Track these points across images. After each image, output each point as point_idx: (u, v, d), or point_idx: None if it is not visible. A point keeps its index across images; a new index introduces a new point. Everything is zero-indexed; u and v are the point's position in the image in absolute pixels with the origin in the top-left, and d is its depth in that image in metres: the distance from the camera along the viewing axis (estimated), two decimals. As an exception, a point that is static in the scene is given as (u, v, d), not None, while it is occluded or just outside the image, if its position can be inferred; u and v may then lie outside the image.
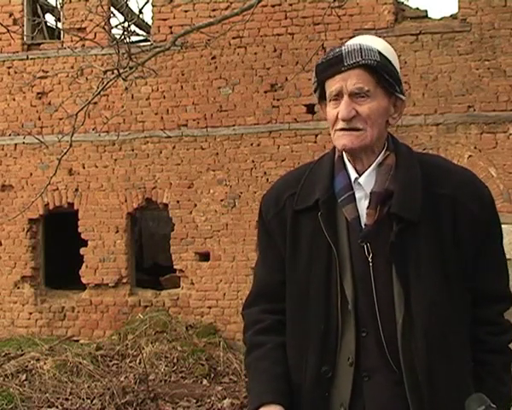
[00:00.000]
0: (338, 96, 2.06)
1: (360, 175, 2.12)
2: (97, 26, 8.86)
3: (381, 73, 2.04)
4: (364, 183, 2.10)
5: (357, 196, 2.11)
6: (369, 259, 2.06)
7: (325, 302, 2.09)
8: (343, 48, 2.05)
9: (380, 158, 2.12)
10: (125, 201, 11.24)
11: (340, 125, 2.06)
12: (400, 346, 2.02)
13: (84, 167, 11.41)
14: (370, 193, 2.08)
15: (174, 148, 11.10)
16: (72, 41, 10.40)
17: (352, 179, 2.12)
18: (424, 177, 2.10)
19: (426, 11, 10.57)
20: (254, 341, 2.22)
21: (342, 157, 2.17)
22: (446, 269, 2.05)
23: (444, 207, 2.07)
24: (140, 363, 8.85)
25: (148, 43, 11.24)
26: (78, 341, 10.99)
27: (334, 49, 2.09)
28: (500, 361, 2.13)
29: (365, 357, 2.06)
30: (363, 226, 2.08)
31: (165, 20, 11.23)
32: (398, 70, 2.11)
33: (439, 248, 2.05)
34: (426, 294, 2.02)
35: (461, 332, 2.08)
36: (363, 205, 2.10)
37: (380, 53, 2.05)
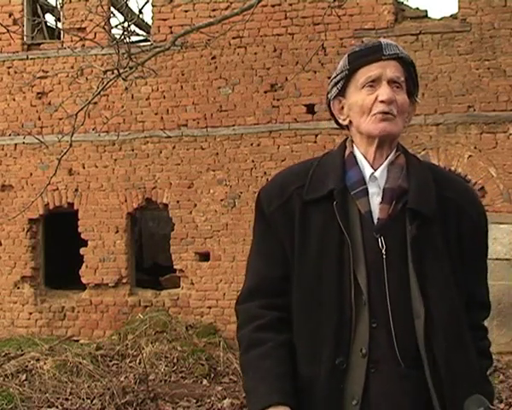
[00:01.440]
0: (374, 82, 2.12)
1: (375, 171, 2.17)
2: (97, 26, 8.85)
3: (411, 70, 2.17)
4: (380, 177, 2.15)
5: (370, 191, 2.14)
6: (383, 251, 2.08)
7: (338, 293, 2.08)
8: (381, 40, 2.16)
9: (391, 157, 2.18)
10: (125, 201, 11.24)
11: (380, 107, 2.11)
12: (423, 339, 2.05)
13: (84, 167, 11.41)
14: (383, 189, 2.13)
15: (174, 148, 11.10)
16: (72, 41, 10.39)
17: (368, 174, 2.15)
18: (433, 180, 2.18)
19: (426, 11, 10.57)
20: (254, 338, 2.16)
21: (353, 154, 2.20)
22: (454, 267, 2.11)
23: (450, 209, 2.16)
24: (140, 363, 8.84)
25: (148, 43, 11.24)
26: (78, 341, 10.99)
27: (371, 41, 2.19)
28: (484, 364, 2.22)
29: (375, 348, 2.07)
30: (376, 221, 2.12)
31: (165, 20, 11.23)
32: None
33: (448, 246, 2.12)
34: (442, 288, 2.08)
35: (468, 331, 2.15)
36: (375, 201, 2.13)
37: None
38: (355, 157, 2.19)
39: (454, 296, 2.09)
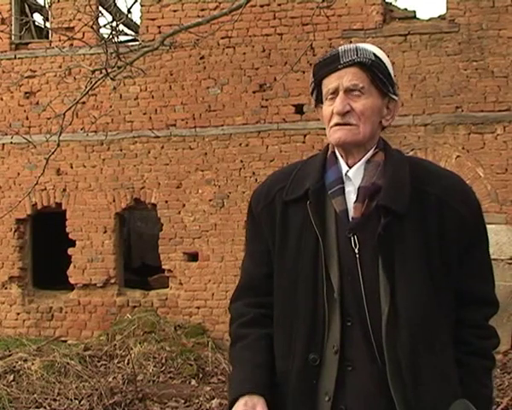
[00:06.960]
0: (334, 93, 2.15)
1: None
2: (85, 25, 8.83)
3: (375, 71, 2.15)
4: (353, 176, 2.16)
5: (346, 189, 2.16)
6: (356, 251, 2.10)
7: (312, 291, 2.12)
8: (340, 48, 2.16)
9: (369, 155, 2.18)
10: (114, 201, 11.22)
11: (335, 119, 2.14)
12: (384, 336, 2.05)
13: (72, 167, 11.38)
14: (358, 188, 2.14)
15: (163, 148, 11.08)
16: (60, 40, 10.37)
17: (343, 172, 2.18)
18: (413, 176, 2.15)
19: (414, 12, 10.61)
20: (238, 333, 2.26)
21: (335, 153, 2.23)
22: (431, 264, 2.08)
23: (430, 204, 2.12)
24: (128, 363, 8.82)
25: (137, 42, 11.20)
26: (65, 341, 10.95)
27: (331, 51, 2.19)
28: (481, 365, 2.16)
29: (349, 347, 2.09)
30: (351, 219, 2.13)
31: (153, 19, 11.22)
32: (392, 74, 2.24)
33: (425, 243, 2.09)
34: (411, 286, 2.05)
35: (444, 328, 2.11)
36: (351, 199, 2.14)
37: (374, 55, 2.16)
38: (335, 156, 2.23)
39: (426, 294, 2.06)
